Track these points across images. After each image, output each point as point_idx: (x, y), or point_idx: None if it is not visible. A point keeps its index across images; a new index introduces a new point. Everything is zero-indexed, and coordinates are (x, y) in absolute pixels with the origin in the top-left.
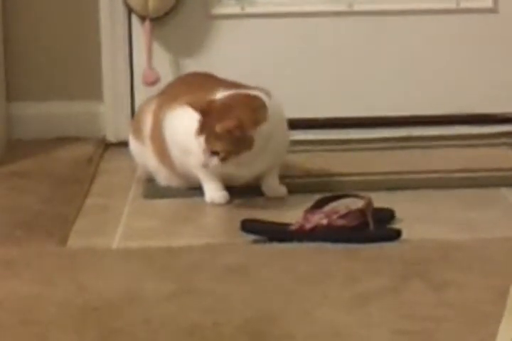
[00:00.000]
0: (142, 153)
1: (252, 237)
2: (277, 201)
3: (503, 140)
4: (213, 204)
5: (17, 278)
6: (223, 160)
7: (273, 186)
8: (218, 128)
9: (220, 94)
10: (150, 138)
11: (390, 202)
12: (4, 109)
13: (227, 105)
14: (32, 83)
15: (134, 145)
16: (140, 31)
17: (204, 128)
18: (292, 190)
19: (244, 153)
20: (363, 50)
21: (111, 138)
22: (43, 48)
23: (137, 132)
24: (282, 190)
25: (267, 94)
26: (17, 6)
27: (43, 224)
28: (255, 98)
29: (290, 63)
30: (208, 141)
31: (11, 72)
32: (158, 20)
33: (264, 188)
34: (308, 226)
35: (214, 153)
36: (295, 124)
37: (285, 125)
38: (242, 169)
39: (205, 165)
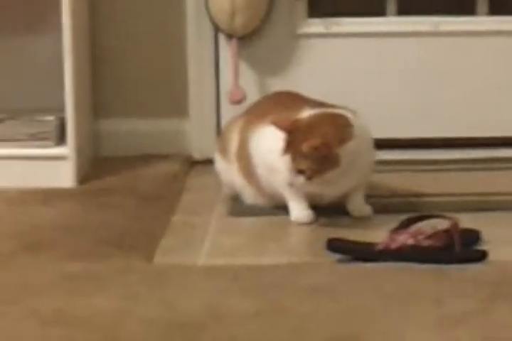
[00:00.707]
0: (228, 171)
1: (337, 256)
2: (363, 221)
3: None
4: (298, 223)
5: (103, 293)
6: (309, 178)
7: (359, 206)
8: (304, 146)
9: (306, 113)
10: (236, 156)
11: (475, 223)
12: (92, 126)
13: (312, 124)
14: (119, 100)
15: (220, 163)
16: (226, 49)
17: (290, 147)
18: (378, 210)
19: (330, 172)
20: (448, 71)
21: (196, 155)
22: (130, 66)
23: (223, 150)
24: (368, 209)
25: (353, 113)
26: (105, 24)
27: (129, 241)
28: (340, 116)
29: (374, 83)
30: (294, 159)
31: (99, 89)
32: (244, 39)
33: (350, 208)
34: (393, 246)
35: (300, 171)
36: (381, 144)
37: (371, 144)
38: (328, 188)
39: (291, 184)
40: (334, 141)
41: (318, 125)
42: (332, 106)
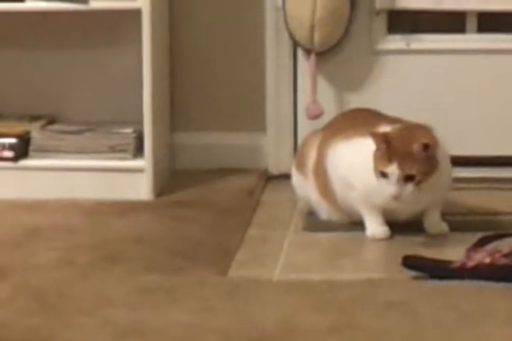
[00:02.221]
0: (304, 186)
1: (412, 273)
2: (439, 238)
3: None
4: (374, 240)
5: (178, 306)
6: (418, 184)
7: (435, 223)
8: (416, 146)
9: (387, 127)
10: (313, 172)
11: None
12: (169, 139)
13: (405, 130)
14: (196, 114)
15: (296, 178)
16: (305, 65)
17: (393, 155)
18: (454, 228)
19: (432, 176)
20: None
21: (273, 170)
22: (209, 79)
23: (300, 165)
24: (444, 227)
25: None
26: (184, 38)
27: (204, 254)
28: (425, 127)
29: (453, 100)
30: (402, 166)
31: (177, 103)
32: (323, 54)
33: (426, 225)
34: (470, 264)
35: (408, 178)
36: (459, 161)
37: (448, 160)
38: (406, 203)
39: (397, 197)
40: (435, 141)
41: (412, 131)
42: (409, 122)
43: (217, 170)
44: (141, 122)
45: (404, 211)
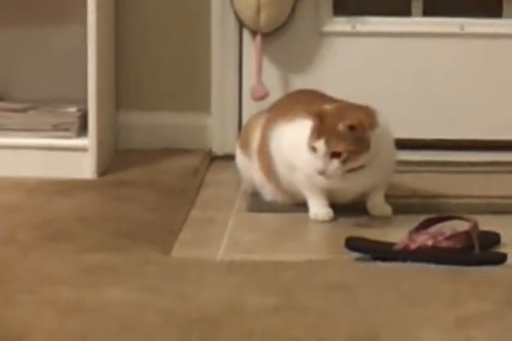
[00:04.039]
0: (248, 167)
1: (355, 255)
2: (382, 220)
3: None
4: (317, 221)
5: (121, 285)
6: (344, 162)
7: (379, 205)
8: (341, 125)
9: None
10: (257, 153)
11: (495, 225)
12: (113, 118)
13: (342, 109)
14: (141, 93)
15: (240, 159)
16: (250, 46)
17: (323, 131)
18: (397, 210)
19: (362, 156)
20: (472, 72)
21: (217, 150)
22: (153, 59)
23: (244, 146)
24: (387, 209)
25: (375, 111)
26: (128, 17)
27: (147, 233)
28: (366, 106)
29: (397, 83)
30: (328, 142)
31: (121, 82)
32: (268, 36)
33: (369, 206)
34: (413, 246)
35: (334, 155)
36: (403, 144)
37: (392, 142)
38: (350, 183)
39: (322, 171)
40: (366, 123)
41: (348, 110)
42: (352, 103)
43: (162, 150)
44: (85, 101)
45: (347, 192)
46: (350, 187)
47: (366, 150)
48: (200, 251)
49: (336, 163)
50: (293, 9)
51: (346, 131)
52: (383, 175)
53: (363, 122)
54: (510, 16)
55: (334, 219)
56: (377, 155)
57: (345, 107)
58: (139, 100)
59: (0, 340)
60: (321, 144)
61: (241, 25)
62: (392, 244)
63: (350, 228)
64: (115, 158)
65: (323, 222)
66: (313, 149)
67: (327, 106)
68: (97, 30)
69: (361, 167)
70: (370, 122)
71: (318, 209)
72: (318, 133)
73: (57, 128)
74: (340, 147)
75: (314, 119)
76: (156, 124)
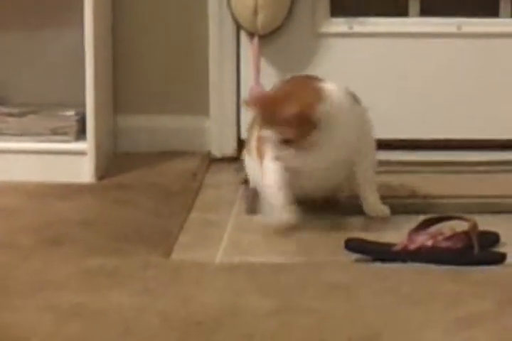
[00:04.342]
0: (252, 167)
1: (355, 256)
2: (381, 221)
3: None
4: (278, 226)
5: (120, 288)
6: (296, 146)
7: (374, 205)
8: (286, 114)
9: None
10: (256, 153)
11: (494, 225)
12: (112, 122)
13: (285, 94)
14: (140, 96)
15: (246, 159)
16: (248, 48)
17: (269, 120)
18: (396, 211)
19: (313, 135)
20: (470, 72)
21: (216, 153)
22: (151, 62)
23: (248, 147)
24: (384, 209)
25: (353, 96)
26: (126, 21)
27: (147, 237)
28: (309, 82)
29: (395, 83)
30: (276, 130)
31: (120, 85)
32: (266, 37)
33: (366, 208)
34: (412, 247)
35: (286, 141)
36: (402, 145)
37: (362, 121)
38: (313, 159)
39: (278, 157)
40: (308, 105)
41: (291, 94)
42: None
43: (161, 153)
44: (83, 105)
45: (315, 187)
46: (316, 161)
47: (315, 127)
48: (199, 253)
49: (287, 148)
50: (290, 10)
51: (291, 117)
52: (355, 153)
53: (307, 107)
54: (508, 16)
55: (333, 220)
56: (339, 128)
57: (289, 91)
58: (137, 103)
59: None
60: (269, 133)
61: (238, 27)
62: (391, 245)
63: (349, 229)
64: (114, 161)
65: (285, 227)
66: (262, 138)
67: (269, 92)
68: (95, 34)
69: (317, 144)
70: (310, 102)
71: (280, 214)
72: (263, 122)
73: (55, 132)
74: (289, 134)
75: (259, 110)
76: (155, 127)
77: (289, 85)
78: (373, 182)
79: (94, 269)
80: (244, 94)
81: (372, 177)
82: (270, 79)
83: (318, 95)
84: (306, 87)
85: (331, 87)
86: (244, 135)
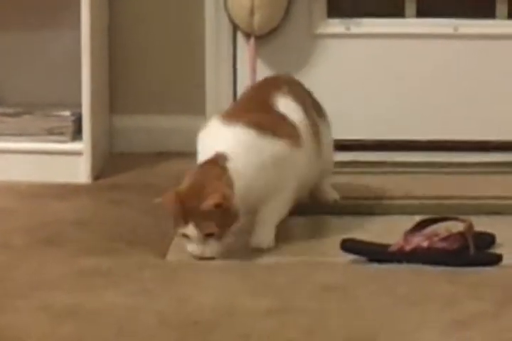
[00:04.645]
0: None
1: (351, 257)
2: (377, 222)
3: None
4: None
5: (116, 289)
6: (220, 238)
7: (258, 239)
8: (205, 206)
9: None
10: None
11: (490, 226)
12: (108, 122)
13: (197, 186)
14: (135, 97)
15: None
16: (244, 48)
17: (187, 215)
18: (392, 211)
19: (235, 223)
20: (466, 73)
21: None
22: (148, 62)
23: None
24: (270, 243)
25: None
26: (123, 21)
27: (142, 237)
28: (217, 167)
29: (392, 84)
30: (198, 225)
31: (115, 86)
32: (262, 38)
33: (252, 238)
34: (408, 247)
35: (208, 235)
36: (398, 145)
37: (284, 170)
38: None
39: (203, 255)
40: (228, 193)
41: (204, 185)
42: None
43: (156, 153)
44: (80, 105)
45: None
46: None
47: (237, 218)
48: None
49: (212, 242)
50: (286, 11)
51: (212, 209)
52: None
53: (226, 195)
54: (504, 17)
55: (329, 221)
56: (251, 188)
57: (200, 183)
58: (134, 104)
59: None
60: (192, 230)
61: (235, 27)
62: (387, 246)
63: (344, 230)
64: (110, 161)
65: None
66: (184, 236)
67: (181, 188)
68: (91, 34)
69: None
70: (230, 191)
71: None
72: (184, 219)
73: (51, 133)
74: (213, 229)
75: (173, 205)
76: (151, 128)
77: (195, 176)
78: (273, 218)
79: (90, 269)
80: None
81: (275, 213)
82: None
83: (225, 181)
84: (212, 176)
85: (233, 159)
86: None
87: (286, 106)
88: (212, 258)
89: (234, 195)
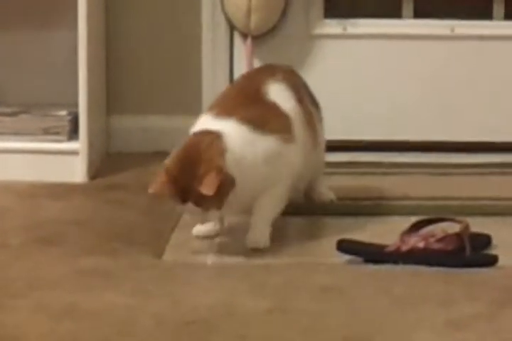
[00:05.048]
0: None
1: (347, 257)
2: (373, 223)
3: None
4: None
5: (114, 289)
6: (220, 206)
7: (254, 237)
8: (205, 190)
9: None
10: None
11: (486, 227)
12: (104, 122)
13: (191, 164)
14: (132, 97)
15: None
16: (241, 48)
17: (185, 196)
18: (389, 212)
19: (230, 194)
20: (463, 74)
21: None
22: (144, 62)
23: None
24: (266, 242)
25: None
26: (119, 21)
27: (139, 237)
28: (209, 134)
29: (389, 85)
30: (198, 204)
31: (112, 86)
32: (259, 38)
33: (247, 236)
34: (404, 248)
35: (208, 207)
36: (394, 146)
37: (279, 163)
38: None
39: (206, 221)
40: (222, 172)
41: (198, 164)
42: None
43: (153, 153)
44: (76, 105)
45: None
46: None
47: (232, 186)
48: (191, 254)
49: (214, 212)
50: (283, 12)
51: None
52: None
53: (220, 168)
54: (501, 18)
55: (325, 221)
56: (241, 178)
57: (190, 154)
58: (130, 103)
59: None
60: (192, 207)
61: (232, 28)
62: (383, 246)
63: (341, 230)
64: (106, 161)
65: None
66: (184, 209)
67: (169, 163)
68: (88, 34)
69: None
70: (222, 166)
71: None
72: (181, 196)
73: (48, 132)
74: (213, 204)
75: (166, 188)
76: (148, 127)
77: (184, 146)
78: (267, 216)
79: (87, 269)
80: None
81: (269, 211)
82: None
83: (219, 150)
84: (202, 145)
85: (227, 133)
86: None
87: (279, 94)
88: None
89: (225, 163)
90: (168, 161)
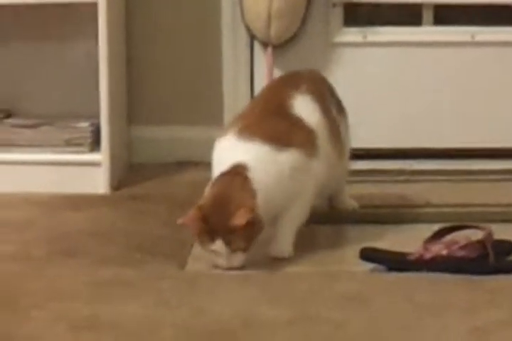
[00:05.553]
0: None
1: (370, 266)
2: (396, 230)
3: None
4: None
5: (136, 300)
6: (246, 250)
7: (281, 247)
8: (236, 224)
9: (207, 195)
10: None
11: (509, 234)
12: (126, 133)
13: (222, 201)
14: (153, 107)
15: None
16: (262, 58)
17: (214, 232)
18: (411, 220)
19: (259, 234)
20: (484, 80)
21: None
22: (166, 73)
23: None
24: (290, 252)
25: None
26: (140, 33)
27: (162, 248)
28: (239, 176)
29: (410, 92)
30: (228, 242)
31: (134, 96)
32: (279, 47)
33: (272, 247)
34: (427, 256)
35: (237, 249)
36: (416, 153)
37: (302, 179)
38: None
39: (231, 266)
40: (254, 207)
41: (230, 200)
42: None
43: (175, 163)
44: (98, 116)
45: None
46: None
47: (262, 228)
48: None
49: (240, 255)
50: (303, 20)
51: (242, 228)
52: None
53: (252, 210)
54: None
55: (347, 230)
56: (268, 194)
57: (223, 195)
58: (152, 114)
59: None
60: (220, 246)
61: (252, 37)
62: (406, 254)
63: (364, 238)
64: (128, 172)
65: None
66: (212, 251)
67: (203, 203)
68: (109, 45)
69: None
70: (254, 206)
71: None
72: (210, 234)
73: (69, 144)
74: (241, 243)
75: (197, 223)
76: (169, 138)
77: (217, 188)
78: (292, 226)
79: (109, 280)
80: None
81: (293, 221)
82: None
83: (250, 194)
84: (233, 189)
85: (253, 167)
86: None
87: (303, 107)
88: (238, 268)
89: (257, 205)
90: (201, 201)
